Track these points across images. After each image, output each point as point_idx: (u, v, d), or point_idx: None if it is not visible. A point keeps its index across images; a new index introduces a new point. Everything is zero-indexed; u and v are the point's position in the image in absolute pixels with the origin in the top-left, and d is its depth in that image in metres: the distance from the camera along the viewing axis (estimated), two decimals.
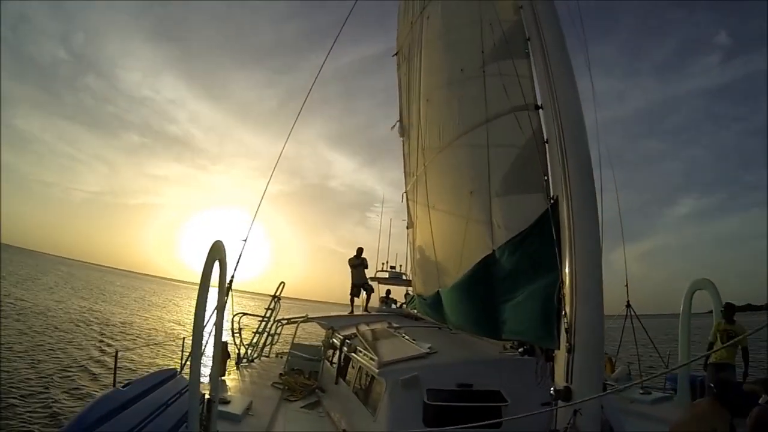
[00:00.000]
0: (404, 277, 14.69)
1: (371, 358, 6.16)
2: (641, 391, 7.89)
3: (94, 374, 14.64)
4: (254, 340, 10.64)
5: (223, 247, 4.91)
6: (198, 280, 4.70)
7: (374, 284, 13.59)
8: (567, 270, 4.63)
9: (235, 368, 9.39)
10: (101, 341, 21.38)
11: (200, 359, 4.65)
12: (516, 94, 5.90)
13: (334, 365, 8.20)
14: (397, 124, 11.06)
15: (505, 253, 5.56)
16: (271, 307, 11.03)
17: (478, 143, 6.34)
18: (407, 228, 11.34)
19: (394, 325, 9.03)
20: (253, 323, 11.41)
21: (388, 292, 14.55)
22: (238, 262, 7.08)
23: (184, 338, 7.26)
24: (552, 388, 4.41)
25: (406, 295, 14.08)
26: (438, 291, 7.89)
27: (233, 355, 9.78)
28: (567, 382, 4.37)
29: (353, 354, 7.11)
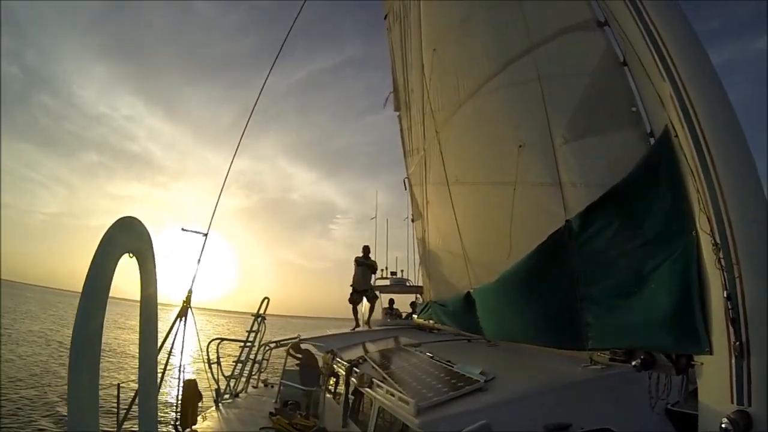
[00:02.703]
0: (408, 284, 12.95)
1: (401, 399, 4.03)
2: None
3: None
4: (236, 371, 8.66)
5: (143, 230, 2.89)
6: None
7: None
8: (712, 229, 2.93)
9: (213, 409, 7.48)
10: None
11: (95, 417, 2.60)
12: (570, 10, 4.31)
13: (339, 399, 6.25)
14: (390, 96, 9.37)
15: (591, 221, 3.78)
16: (255, 328, 9.08)
17: (522, 79, 4.62)
18: (412, 221, 9.58)
19: (410, 341, 7.20)
20: (233, 349, 9.49)
21: (392, 302, 12.63)
22: (199, 262, 5.32)
23: (119, 384, 5.28)
24: (724, 418, 2.66)
25: (413, 303, 12.25)
26: (468, 293, 6.08)
27: (209, 391, 7.91)
28: (739, 403, 2.69)
29: (368, 389, 4.95)
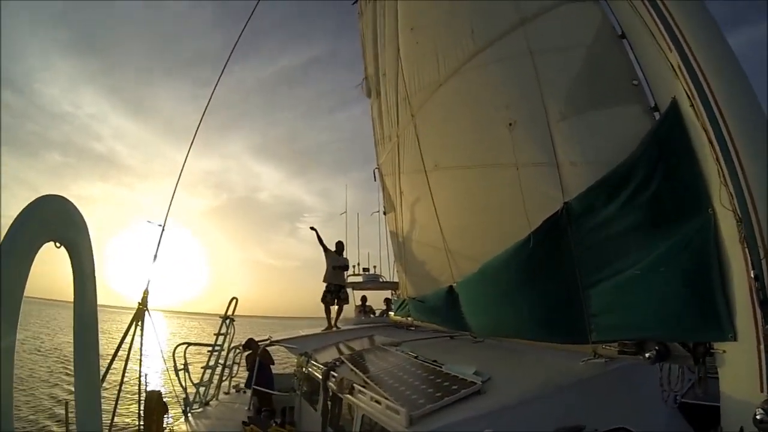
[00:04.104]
0: (382, 280, 12.56)
1: (389, 407, 3.56)
2: None
3: None
4: (205, 377, 8.10)
5: (74, 212, 2.31)
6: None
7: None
8: (733, 205, 2.69)
9: (182, 420, 6.94)
10: None
11: None
12: None
13: (317, 407, 5.76)
14: (363, 82, 9.02)
15: (593, 202, 3.49)
16: (223, 331, 8.53)
17: (511, 54, 4.31)
18: (384, 214, 9.17)
19: (389, 340, 6.79)
20: (203, 354, 8.92)
21: (364, 299, 12.19)
22: (156, 254, 4.91)
23: (67, 403, 4.72)
24: (759, 409, 2.40)
25: (387, 300, 11.84)
26: (451, 287, 5.73)
27: (177, 401, 7.40)
28: None
29: (349, 396, 4.44)
